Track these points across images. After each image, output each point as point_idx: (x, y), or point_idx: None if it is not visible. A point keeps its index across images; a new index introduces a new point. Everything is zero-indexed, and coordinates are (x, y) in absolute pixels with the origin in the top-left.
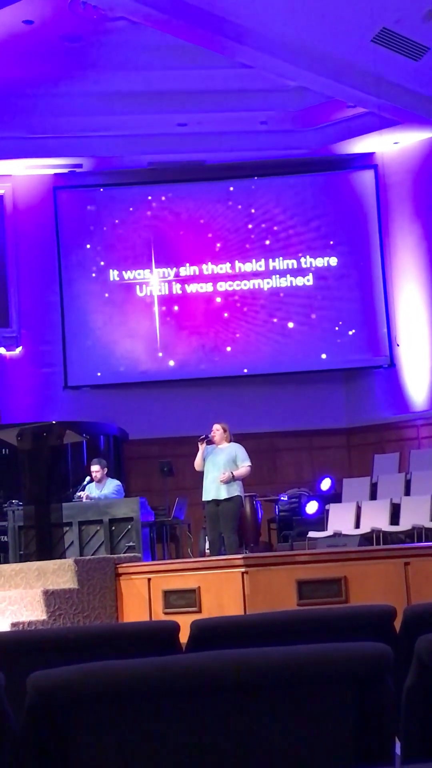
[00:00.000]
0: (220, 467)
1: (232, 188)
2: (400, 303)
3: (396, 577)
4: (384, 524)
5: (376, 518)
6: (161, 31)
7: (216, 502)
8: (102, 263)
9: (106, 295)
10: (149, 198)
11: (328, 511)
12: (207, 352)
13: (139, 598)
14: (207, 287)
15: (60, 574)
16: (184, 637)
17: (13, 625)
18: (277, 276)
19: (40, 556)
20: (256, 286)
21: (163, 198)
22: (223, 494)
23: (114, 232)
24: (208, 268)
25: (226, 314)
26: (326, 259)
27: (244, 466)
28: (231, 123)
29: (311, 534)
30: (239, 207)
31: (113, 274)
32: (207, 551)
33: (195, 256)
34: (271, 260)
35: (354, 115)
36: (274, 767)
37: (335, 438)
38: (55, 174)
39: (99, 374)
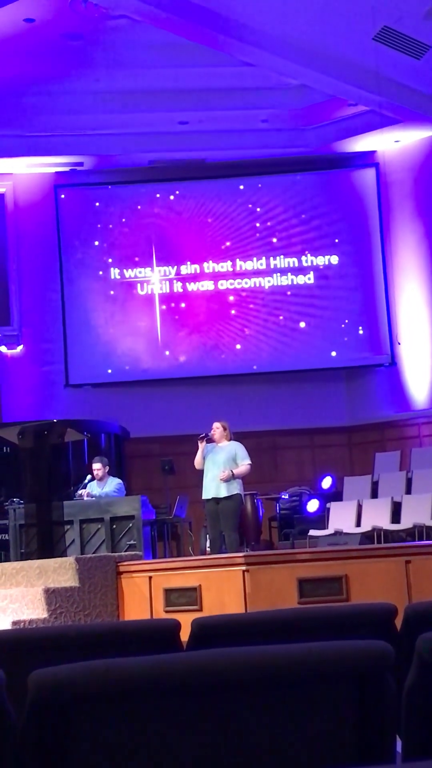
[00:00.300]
0: (220, 465)
1: (232, 187)
2: (401, 301)
3: (397, 576)
4: (385, 522)
5: (377, 516)
6: (162, 29)
7: (216, 501)
8: (103, 261)
9: (108, 293)
10: (150, 196)
11: (329, 509)
12: (208, 350)
13: (140, 596)
14: (208, 285)
15: (61, 572)
16: (185, 635)
17: (14, 623)
18: (278, 274)
19: (41, 555)
20: (257, 285)
21: (164, 196)
22: (223, 492)
23: (115, 231)
24: (209, 266)
25: (227, 313)
26: (327, 257)
27: (243, 464)
28: (232, 121)
29: (312, 532)
30: (240, 205)
31: (114, 273)
32: (208, 549)
33: (196, 254)
34: (272, 258)
35: (355, 113)
36: (276, 765)
37: (336, 436)
38: (56, 172)
39: (109, 371)
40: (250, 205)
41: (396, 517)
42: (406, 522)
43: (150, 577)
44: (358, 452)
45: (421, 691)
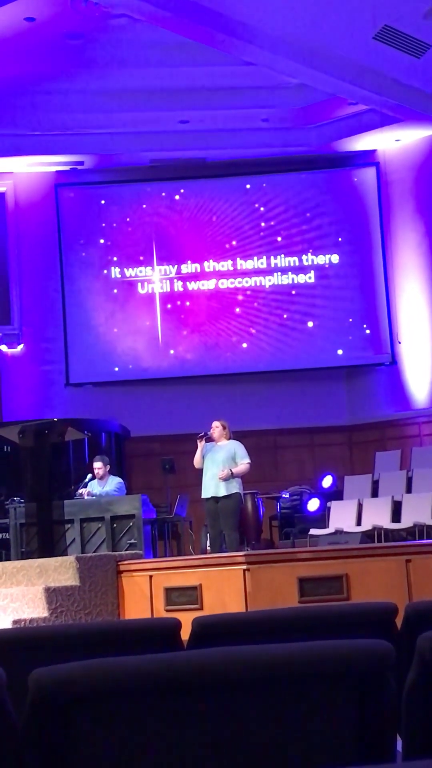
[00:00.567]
0: (219, 464)
1: (233, 186)
2: (401, 300)
3: (397, 575)
4: (385, 521)
5: (378, 515)
6: (163, 28)
7: (215, 500)
8: (103, 260)
9: (109, 292)
10: (151, 195)
11: (329, 508)
12: (208, 349)
13: (140, 595)
14: (209, 284)
15: (61, 571)
16: (185, 634)
17: (15, 622)
18: (279, 273)
19: (41, 554)
20: (258, 284)
21: (165, 195)
22: (222, 491)
23: (115, 230)
24: (210, 265)
25: (227, 312)
26: (328, 256)
27: (243, 463)
28: (232, 120)
29: (313, 531)
30: (241, 205)
31: (115, 272)
32: (208, 548)
33: (196, 253)
34: (272, 257)
35: (355, 112)
36: (276, 764)
37: (337, 435)
38: (57, 171)
39: (110, 370)
40: (250, 205)
41: (396, 516)
42: (407, 521)
43: (150, 576)
44: (358, 451)
45: (421, 690)
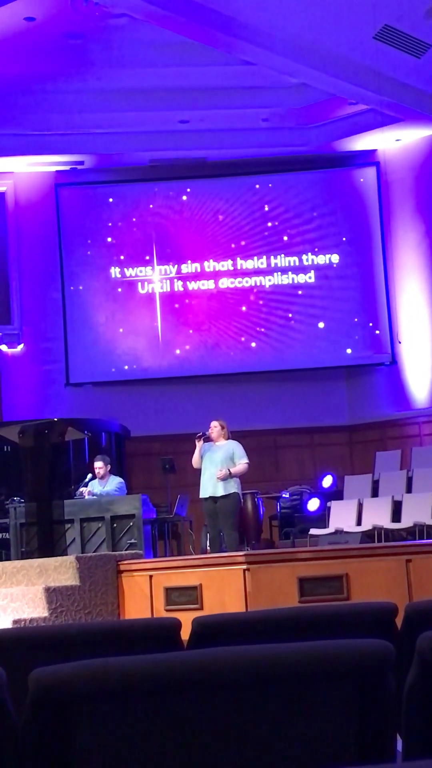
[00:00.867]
0: (218, 464)
1: (233, 186)
2: (401, 300)
3: (398, 575)
4: (385, 521)
5: (378, 515)
6: (163, 28)
7: (214, 499)
8: (104, 260)
9: (109, 292)
10: (151, 195)
11: (329, 508)
12: (209, 349)
13: (140, 595)
14: (209, 284)
15: (61, 571)
16: (185, 634)
17: (15, 622)
18: (279, 273)
19: (41, 553)
20: (258, 284)
21: (165, 195)
22: (220, 491)
23: (116, 229)
24: (210, 265)
25: (227, 312)
26: (328, 256)
27: (241, 463)
28: (232, 120)
29: (313, 531)
30: (241, 204)
31: (115, 272)
32: (208, 548)
33: (196, 253)
34: (272, 257)
35: (355, 112)
36: (276, 764)
37: (337, 435)
38: (57, 171)
39: (110, 370)
40: (250, 205)
41: (396, 516)
42: (407, 521)
43: (150, 576)
44: (358, 451)
45: (422, 689)
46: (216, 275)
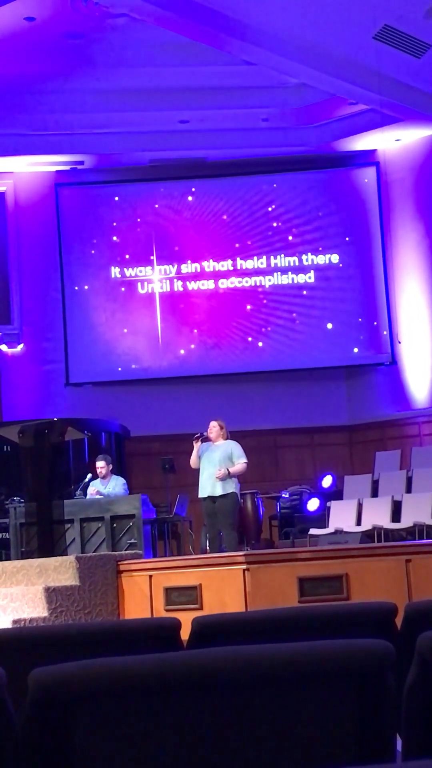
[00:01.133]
0: (216, 464)
1: (233, 186)
2: (401, 300)
3: (397, 574)
4: (385, 521)
5: (378, 515)
6: (163, 28)
7: (212, 499)
8: (103, 260)
9: (109, 292)
10: (151, 195)
11: (329, 508)
12: (208, 349)
13: (140, 595)
14: (208, 284)
15: (61, 571)
16: (185, 634)
17: (15, 622)
18: (279, 273)
19: (41, 553)
20: (258, 284)
21: (164, 195)
22: (219, 491)
23: (115, 230)
24: (210, 265)
25: (227, 312)
26: (328, 256)
27: (240, 462)
28: (232, 120)
29: (312, 531)
30: (241, 204)
31: (115, 272)
32: (208, 548)
33: (196, 253)
34: (272, 257)
35: (355, 112)
36: (276, 764)
37: (337, 435)
38: (57, 171)
39: (111, 370)
40: (249, 204)
41: (396, 516)
42: (407, 521)
43: (150, 576)
44: (358, 451)
45: (421, 690)
46: (216, 275)
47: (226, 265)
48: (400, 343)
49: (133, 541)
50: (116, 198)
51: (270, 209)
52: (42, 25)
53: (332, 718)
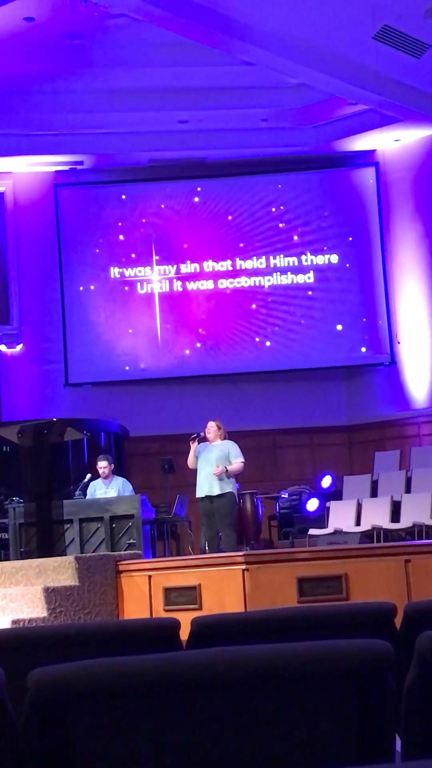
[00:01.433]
0: (213, 464)
1: (232, 186)
2: (401, 300)
3: (397, 575)
4: (385, 522)
5: (377, 516)
6: (162, 27)
7: (210, 499)
8: (103, 260)
9: (108, 292)
10: (150, 195)
11: (328, 508)
12: (208, 349)
13: (139, 595)
14: (208, 285)
15: (61, 571)
16: (184, 634)
17: (14, 622)
18: (278, 273)
19: (40, 554)
20: (257, 284)
21: (164, 195)
22: (216, 490)
23: (115, 230)
24: (209, 265)
25: (226, 312)
26: (327, 256)
27: (237, 461)
28: (232, 120)
29: (312, 531)
30: (240, 204)
31: (114, 272)
32: (207, 548)
33: (196, 253)
34: (271, 258)
35: (355, 112)
36: (275, 764)
37: (336, 435)
38: (56, 171)
39: (110, 370)
40: (249, 205)
41: (395, 516)
42: (406, 521)
43: (149, 576)
44: (357, 451)
45: (421, 690)
46: (215, 275)
47: (225, 265)
48: (399, 343)
49: (132, 541)
50: (116, 198)
51: (269, 210)
52: (41, 26)
53: (332, 719)
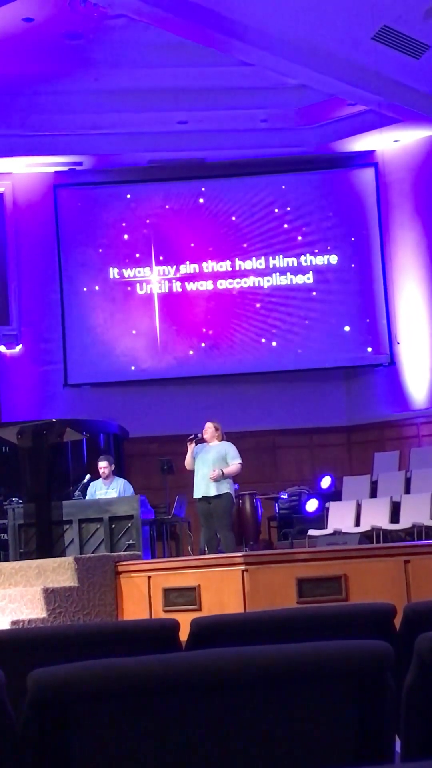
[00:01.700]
0: (210, 465)
1: (231, 186)
2: (400, 301)
3: (396, 575)
4: (384, 522)
5: (376, 516)
6: (161, 28)
7: (207, 500)
8: (102, 261)
9: (107, 293)
10: (149, 196)
11: (328, 509)
12: (207, 349)
13: (139, 596)
14: (207, 285)
15: (60, 572)
16: (184, 635)
17: (13, 623)
18: (278, 274)
19: (40, 554)
20: (256, 284)
21: (164, 196)
22: (213, 491)
23: (114, 231)
24: (209, 266)
25: (226, 313)
26: (326, 257)
27: (234, 463)
28: (231, 121)
29: (311, 532)
30: (239, 205)
31: (113, 272)
32: (206, 549)
33: (195, 254)
34: (271, 258)
35: (354, 113)
36: (275, 765)
37: (335, 436)
38: (56, 172)
39: (109, 371)
40: (248, 205)
41: (395, 516)
42: (405, 522)
43: (149, 577)
44: (357, 452)
45: (421, 690)
46: (214, 276)
47: (224, 265)
48: (398, 343)
49: (131, 542)
50: (115, 199)
51: (268, 210)
52: (40, 26)
53: (331, 720)
